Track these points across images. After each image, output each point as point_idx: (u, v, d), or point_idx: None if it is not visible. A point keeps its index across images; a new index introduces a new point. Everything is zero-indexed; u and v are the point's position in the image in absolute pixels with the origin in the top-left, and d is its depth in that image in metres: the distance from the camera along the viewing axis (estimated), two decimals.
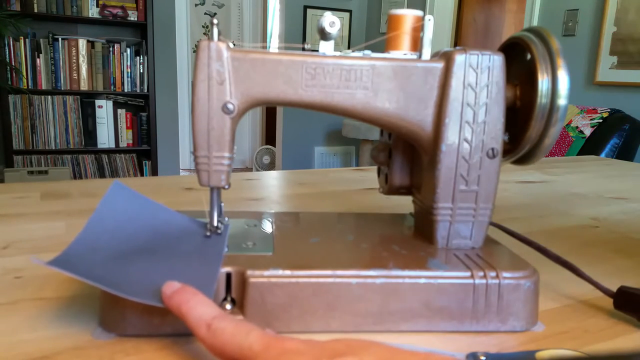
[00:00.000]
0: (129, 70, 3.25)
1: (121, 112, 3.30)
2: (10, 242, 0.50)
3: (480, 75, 0.37)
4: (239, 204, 0.69)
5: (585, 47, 2.72)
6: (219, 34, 0.35)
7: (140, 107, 3.38)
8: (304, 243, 0.40)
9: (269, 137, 4.52)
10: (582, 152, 2.53)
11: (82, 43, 3.12)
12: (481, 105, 0.37)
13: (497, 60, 0.37)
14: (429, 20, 0.36)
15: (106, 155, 3.29)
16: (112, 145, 3.30)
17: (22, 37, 2.97)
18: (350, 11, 4.02)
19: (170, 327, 0.33)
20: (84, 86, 3.17)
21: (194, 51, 1.68)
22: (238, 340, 0.26)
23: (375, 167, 0.56)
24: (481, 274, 0.35)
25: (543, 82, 0.36)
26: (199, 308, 0.28)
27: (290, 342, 0.25)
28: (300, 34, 3.91)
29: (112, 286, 0.30)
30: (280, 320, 0.34)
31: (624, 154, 2.40)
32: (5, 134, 3.00)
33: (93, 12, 3.10)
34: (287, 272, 0.34)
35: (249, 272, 0.33)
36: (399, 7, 2.59)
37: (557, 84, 0.36)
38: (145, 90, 3.30)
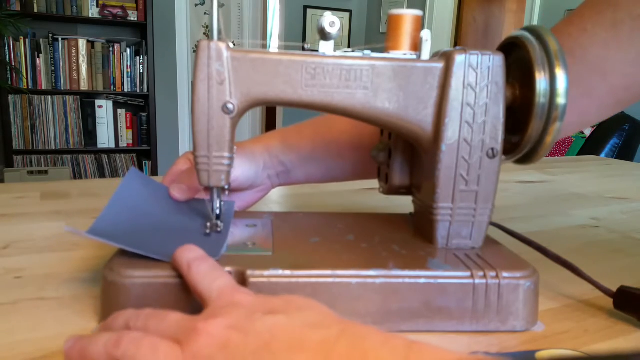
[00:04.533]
0: (129, 70, 3.25)
1: (121, 112, 3.30)
2: (10, 242, 0.50)
3: (480, 75, 0.37)
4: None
5: None
6: (219, 33, 0.35)
7: (140, 107, 3.38)
8: (303, 243, 0.40)
9: None
10: (582, 152, 2.53)
11: (82, 43, 3.12)
12: (481, 105, 0.37)
13: (497, 60, 0.37)
14: (427, 39, 0.37)
15: (106, 155, 3.29)
16: (112, 145, 3.30)
17: (22, 37, 2.97)
18: (350, 11, 4.02)
19: None
20: (84, 86, 3.16)
21: (194, 51, 1.68)
22: (206, 283, 0.30)
23: None
24: (481, 274, 0.35)
25: (541, 81, 0.36)
26: (189, 253, 0.32)
27: (241, 296, 0.28)
28: (300, 34, 3.91)
29: (138, 248, 0.34)
30: None
31: (624, 154, 2.41)
32: (5, 134, 3.00)
33: (93, 12, 3.09)
34: (287, 272, 0.34)
35: (249, 272, 0.33)
36: (399, 7, 2.59)
37: (556, 82, 0.36)
38: (145, 90, 3.30)
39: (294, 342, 0.23)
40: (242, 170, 0.47)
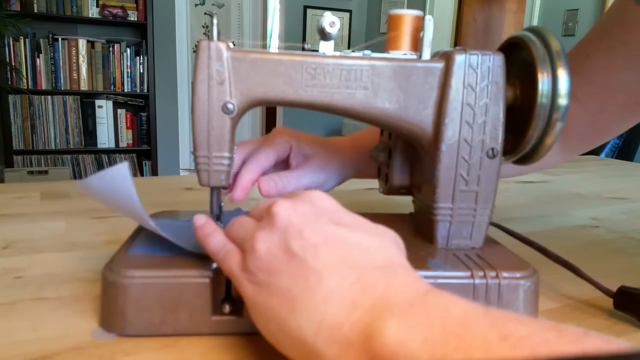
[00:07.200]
0: (129, 70, 3.25)
1: (121, 112, 3.30)
2: (10, 242, 0.50)
3: (480, 75, 0.37)
4: (239, 203, 0.68)
5: None
6: (219, 33, 0.35)
7: (140, 107, 3.38)
8: None
9: None
10: None
11: (82, 43, 3.12)
12: (481, 105, 0.37)
13: (497, 60, 0.37)
14: (430, 20, 0.36)
15: (106, 155, 3.29)
16: (112, 145, 3.30)
17: (22, 37, 2.97)
18: (350, 11, 4.02)
19: (170, 327, 0.33)
20: (84, 86, 3.16)
21: (194, 51, 1.68)
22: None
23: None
24: (481, 274, 0.35)
25: (543, 82, 0.36)
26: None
27: (327, 201, 0.30)
28: (300, 34, 3.91)
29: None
30: None
31: (624, 154, 2.41)
32: (5, 134, 3.00)
33: (93, 12, 3.09)
34: None
35: None
36: (399, 7, 2.59)
37: (557, 83, 0.36)
38: (145, 90, 3.30)
39: (339, 256, 0.26)
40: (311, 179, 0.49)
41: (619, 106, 0.49)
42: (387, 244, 0.28)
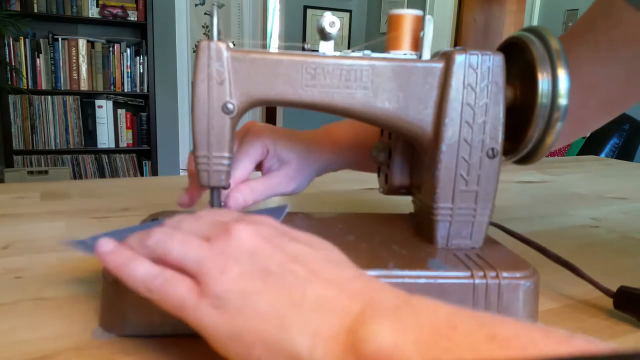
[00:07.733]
0: (129, 70, 3.25)
1: (121, 112, 3.30)
2: (10, 242, 0.50)
3: (480, 75, 0.37)
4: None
5: None
6: (219, 33, 0.35)
7: (140, 107, 3.38)
8: None
9: None
10: (582, 152, 2.54)
11: (82, 43, 3.12)
12: (481, 105, 0.37)
13: (497, 60, 0.37)
14: (430, 20, 0.36)
15: (106, 155, 3.29)
16: (112, 145, 3.30)
17: (22, 37, 2.97)
18: (350, 11, 4.02)
19: (170, 327, 0.33)
20: (84, 86, 3.16)
21: (194, 51, 1.68)
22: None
23: None
24: (481, 274, 0.35)
25: (543, 82, 0.36)
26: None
27: (273, 221, 0.30)
28: (300, 34, 3.91)
29: None
30: None
31: (624, 154, 2.41)
32: (5, 134, 3.00)
33: (93, 12, 3.09)
34: None
35: None
36: (399, 7, 2.59)
37: (557, 83, 0.36)
38: (145, 90, 3.30)
39: (313, 270, 0.26)
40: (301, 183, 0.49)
41: (599, 102, 0.49)
42: (343, 257, 0.28)
